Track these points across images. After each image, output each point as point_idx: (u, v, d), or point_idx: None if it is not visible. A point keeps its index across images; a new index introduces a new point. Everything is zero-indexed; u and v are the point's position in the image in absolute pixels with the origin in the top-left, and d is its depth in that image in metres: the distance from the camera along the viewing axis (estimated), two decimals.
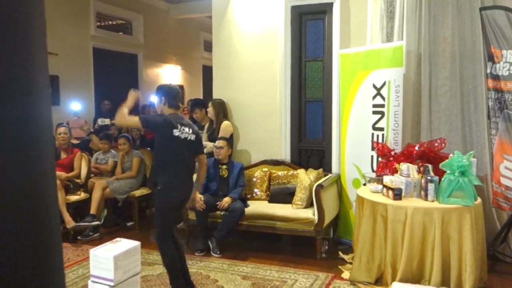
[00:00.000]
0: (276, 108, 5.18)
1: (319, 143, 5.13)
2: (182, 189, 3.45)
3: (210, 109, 5.20)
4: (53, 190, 0.92)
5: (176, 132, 3.32)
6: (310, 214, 4.36)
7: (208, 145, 5.04)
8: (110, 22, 8.69)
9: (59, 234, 0.91)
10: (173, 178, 3.35)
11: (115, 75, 8.65)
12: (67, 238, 4.92)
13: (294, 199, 4.61)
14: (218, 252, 4.45)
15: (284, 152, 5.17)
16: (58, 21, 7.16)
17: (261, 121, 5.24)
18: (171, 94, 3.44)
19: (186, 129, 3.40)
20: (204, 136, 5.28)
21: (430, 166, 3.67)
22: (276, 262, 4.24)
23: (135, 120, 3.35)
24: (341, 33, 4.82)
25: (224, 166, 4.78)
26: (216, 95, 5.40)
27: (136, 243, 1.40)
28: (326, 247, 4.45)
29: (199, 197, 4.39)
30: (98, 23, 8.30)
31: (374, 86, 4.36)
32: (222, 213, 4.57)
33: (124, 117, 3.32)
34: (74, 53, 7.54)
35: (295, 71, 5.12)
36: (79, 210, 5.42)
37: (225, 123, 5.13)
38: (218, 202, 4.51)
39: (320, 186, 4.28)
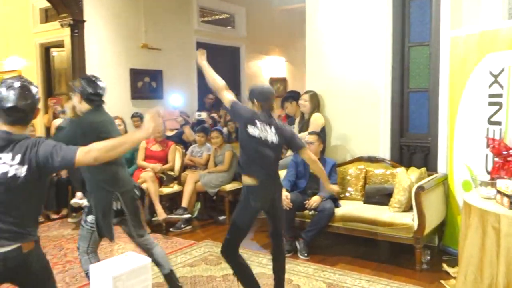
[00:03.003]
0: (374, 99, 4.70)
1: (423, 138, 4.55)
2: (261, 197, 3.05)
3: (306, 101, 4.85)
4: None
5: (250, 130, 2.98)
6: (409, 219, 3.86)
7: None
8: (213, 17, 8.78)
9: None
10: (253, 183, 3.01)
11: (218, 69, 8.52)
12: (160, 230, 5.01)
13: (392, 201, 4.14)
14: (306, 254, 4.17)
15: (382, 148, 4.68)
16: (162, 17, 7.39)
17: (358, 113, 4.80)
18: (263, 95, 3.09)
19: (268, 128, 3.03)
20: (295, 130, 5.01)
21: None
22: (368, 270, 3.83)
23: (227, 98, 3.07)
24: (452, 12, 4.19)
25: None
26: (309, 86, 5.08)
27: (146, 261, 1.18)
28: (428, 257, 3.91)
29: (285, 195, 4.17)
30: (201, 18, 8.42)
31: (491, 73, 3.70)
32: (310, 212, 4.26)
33: (216, 81, 3.13)
34: (177, 48, 7.73)
35: (396, 58, 4.60)
36: (174, 202, 5.51)
37: (316, 115, 4.79)
38: (306, 201, 4.22)
39: (420, 188, 3.76)
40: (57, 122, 5.56)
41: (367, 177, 4.59)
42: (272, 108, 3.16)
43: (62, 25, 6.30)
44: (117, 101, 6.45)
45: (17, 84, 1.95)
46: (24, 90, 1.97)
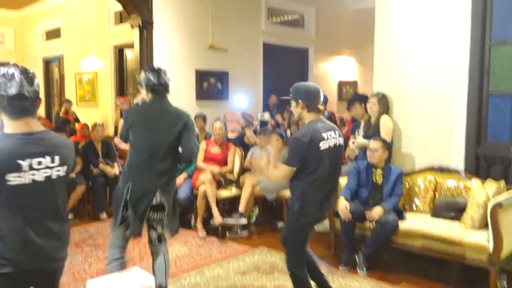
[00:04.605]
0: (448, 103, 4.28)
1: (504, 148, 4.06)
2: (319, 207, 2.91)
3: (375, 104, 4.52)
4: None
5: (322, 145, 2.80)
6: (483, 238, 3.44)
7: (362, 143, 4.45)
8: (281, 17, 8.63)
9: None
10: (311, 192, 2.84)
11: (285, 70, 8.57)
12: (216, 233, 4.93)
13: (464, 217, 3.72)
14: (364, 269, 3.88)
15: (456, 158, 4.25)
16: (229, 18, 7.36)
17: (429, 118, 4.39)
18: (311, 95, 2.88)
19: (332, 134, 2.88)
20: (360, 133, 4.70)
21: None
22: None
23: (282, 173, 2.86)
24: None
25: (379, 171, 4.13)
26: (376, 87, 4.75)
27: (149, 282, 1.04)
28: (505, 283, 3.46)
29: (344, 204, 3.91)
30: (269, 18, 8.30)
31: None
32: (371, 224, 3.96)
33: (274, 175, 2.96)
34: (244, 49, 7.67)
35: (474, 58, 4.15)
36: (233, 205, 5.42)
37: (385, 118, 4.44)
38: (368, 212, 3.92)
39: (498, 205, 3.32)
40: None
41: (436, 189, 4.19)
42: (319, 109, 2.93)
43: (132, 26, 6.46)
44: (182, 101, 6.44)
45: (15, 69, 1.75)
46: (27, 74, 1.77)
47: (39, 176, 1.74)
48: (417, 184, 4.28)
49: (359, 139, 4.50)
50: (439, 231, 3.66)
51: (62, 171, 1.83)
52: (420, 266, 3.98)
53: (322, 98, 2.95)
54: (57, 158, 1.80)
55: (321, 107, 2.93)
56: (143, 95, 3.05)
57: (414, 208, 4.22)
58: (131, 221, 2.87)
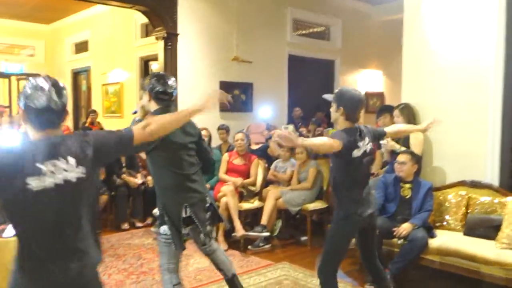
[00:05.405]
0: (481, 115, 4.09)
1: None
2: (361, 208, 2.85)
3: (398, 116, 4.38)
4: None
5: (356, 153, 2.75)
6: None
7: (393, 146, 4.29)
8: (307, 29, 8.55)
9: None
10: (351, 199, 2.84)
11: (310, 82, 8.44)
12: (237, 247, 4.82)
13: (499, 236, 3.51)
14: None
15: (490, 173, 4.04)
16: (254, 30, 7.32)
17: (461, 131, 4.21)
18: (352, 104, 2.81)
19: (366, 140, 2.83)
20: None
21: None
22: None
23: (334, 143, 2.67)
24: None
25: (407, 185, 3.96)
26: (404, 99, 4.60)
27: None
28: None
29: None
30: (295, 30, 8.24)
31: None
32: (399, 241, 3.78)
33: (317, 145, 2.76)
34: (269, 61, 7.60)
35: (510, 69, 3.96)
36: (256, 217, 5.30)
37: None
38: (395, 228, 3.74)
39: None
40: None
41: (469, 205, 3.98)
42: (356, 119, 2.83)
43: (156, 38, 6.48)
44: (205, 113, 6.45)
45: (46, 82, 1.71)
46: (57, 86, 1.72)
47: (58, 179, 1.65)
48: (448, 199, 4.09)
49: (391, 142, 4.34)
50: (473, 250, 3.46)
51: (81, 172, 1.70)
52: (452, 285, 3.77)
53: (364, 108, 2.90)
54: (70, 158, 1.68)
55: (359, 116, 2.85)
56: (144, 102, 2.93)
57: (445, 224, 4.02)
58: (177, 238, 2.88)
